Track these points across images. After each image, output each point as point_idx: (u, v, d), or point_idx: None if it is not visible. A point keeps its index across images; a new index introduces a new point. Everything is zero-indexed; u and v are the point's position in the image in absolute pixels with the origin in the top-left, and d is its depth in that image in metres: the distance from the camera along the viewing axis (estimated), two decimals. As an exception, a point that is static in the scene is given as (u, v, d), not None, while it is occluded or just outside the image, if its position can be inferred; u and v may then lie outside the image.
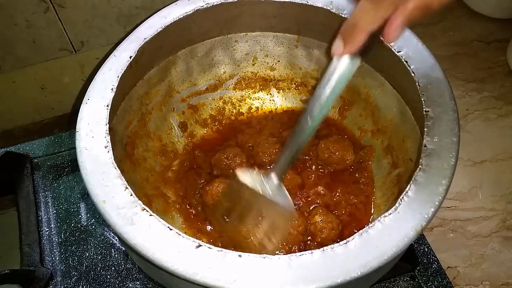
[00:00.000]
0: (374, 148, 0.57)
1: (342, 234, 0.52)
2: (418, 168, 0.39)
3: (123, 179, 0.39)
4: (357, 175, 0.56)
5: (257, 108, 0.65)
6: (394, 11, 0.32)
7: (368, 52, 0.35)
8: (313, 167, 0.57)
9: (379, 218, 0.37)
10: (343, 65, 0.35)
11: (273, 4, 0.54)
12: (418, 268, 0.53)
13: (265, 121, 0.63)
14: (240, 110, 0.64)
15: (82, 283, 0.53)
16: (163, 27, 0.50)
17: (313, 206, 0.54)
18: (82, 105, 0.45)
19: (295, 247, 0.51)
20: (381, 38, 0.34)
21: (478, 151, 0.65)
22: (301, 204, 0.55)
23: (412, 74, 0.46)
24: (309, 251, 0.35)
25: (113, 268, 0.54)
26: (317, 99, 0.37)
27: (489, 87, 0.72)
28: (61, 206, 0.59)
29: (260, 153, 0.57)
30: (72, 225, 0.57)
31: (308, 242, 0.52)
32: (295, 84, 0.64)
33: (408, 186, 0.39)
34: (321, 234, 0.51)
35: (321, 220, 0.51)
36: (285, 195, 0.43)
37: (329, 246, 0.35)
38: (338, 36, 0.35)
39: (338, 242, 0.35)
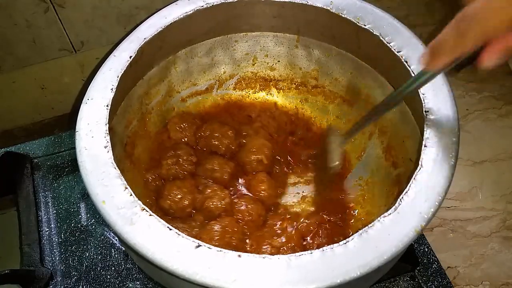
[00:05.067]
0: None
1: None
2: (418, 168, 0.39)
3: (123, 179, 0.39)
4: None
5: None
6: (486, 42, 0.31)
7: (460, 69, 0.37)
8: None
9: (379, 218, 0.37)
10: (422, 74, 0.38)
11: (273, 4, 0.54)
12: (418, 268, 0.53)
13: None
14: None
15: (82, 283, 0.53)
16: (163, 27, 0.50)
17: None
18: (82, 105, 0.45)
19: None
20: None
21: (478, 151, 0.65)
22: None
23: (412, 74, 0.46)
24: (309, 251, 0.35)
25: (113, 268, 0.54)
26: (398, 91, 0.42)
27: (489, 87, 0.72)
28: (61, 206, 0.59)
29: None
30: (72, 225, 0.57)
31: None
32: (295, 84, 0.64)
33: (408, 186, 0.39)
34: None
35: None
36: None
37: (329, 246, 0.35)
38: (427, 48, 0.35)
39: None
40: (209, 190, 0.53)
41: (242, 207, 0.52)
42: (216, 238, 0.48)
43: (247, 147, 0.57)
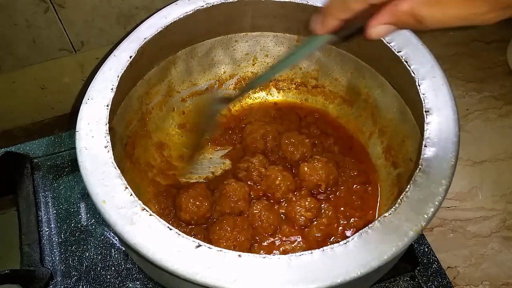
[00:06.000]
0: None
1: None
2: (418, 168, 0.39)
3: (123, 179, 0.39)
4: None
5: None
6: (373, 9, 0.30)
7: (349, 39, 0.36)
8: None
9: (379, 218, 0.37)
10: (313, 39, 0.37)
11: (273, 4, 0.54)
12: (418, 268, 0.53)
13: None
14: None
15: (82, 283, 0.53)
16: (163, 27, 0.50)
17: None
18: (82, 105, 0.45)
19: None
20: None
21: (478, 151, 0.65)
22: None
23: (412, 74, 0.46)
24: (309, 251, 0.35)
25: (113, 268, 0.54)
26: (289, 55, 0.40)
27: (489, 87, 0.72)
28: (61, 206, 0.59)
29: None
30: (72, 225, 0.57)
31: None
32: (295, 84, 0.64)
33: (408, 186, 0.39)
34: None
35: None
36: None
37: (329, 246, 0.35)
38: (319, 14, 0.34)
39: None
40: (227, 187, 0.53)
41: (256, 212, 0.51)
42: (227, 235, 0.48)
43: (313, 165, 0.54)
